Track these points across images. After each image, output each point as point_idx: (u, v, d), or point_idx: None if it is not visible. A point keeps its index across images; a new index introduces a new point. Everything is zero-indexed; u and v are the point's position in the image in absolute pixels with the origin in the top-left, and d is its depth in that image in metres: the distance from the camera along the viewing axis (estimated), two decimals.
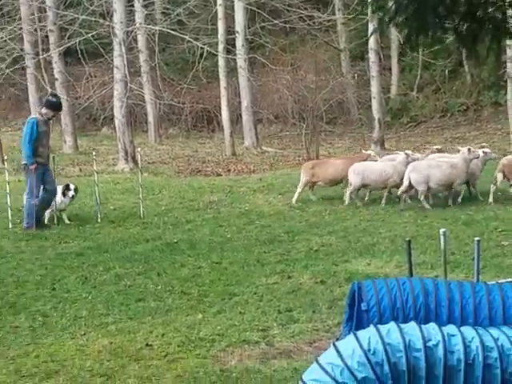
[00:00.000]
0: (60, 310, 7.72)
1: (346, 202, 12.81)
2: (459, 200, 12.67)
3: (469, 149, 12.56)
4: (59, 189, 11.85)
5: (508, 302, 5.51)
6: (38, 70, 21.69)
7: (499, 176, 12.56)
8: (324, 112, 20.53)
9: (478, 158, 12.49)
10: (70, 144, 21.59)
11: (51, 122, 12.52)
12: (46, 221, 11.80)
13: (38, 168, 11.43)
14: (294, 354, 6.06)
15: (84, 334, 6.82)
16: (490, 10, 4.60)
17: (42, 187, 11.60)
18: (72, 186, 12.17)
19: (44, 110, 11.82)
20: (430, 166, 12.44)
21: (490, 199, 12.34)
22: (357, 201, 12.93)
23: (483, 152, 12.81)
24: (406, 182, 12.05)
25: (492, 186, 12.57)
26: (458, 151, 12.78)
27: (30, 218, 11.53)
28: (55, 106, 12.11)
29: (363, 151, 14.65)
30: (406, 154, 12.74)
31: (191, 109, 23.33)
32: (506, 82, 18.39)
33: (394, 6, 4.59)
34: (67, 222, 12.04)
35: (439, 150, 14.21)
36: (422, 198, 12.23)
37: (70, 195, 12.17)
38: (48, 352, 6.27)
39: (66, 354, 6.21)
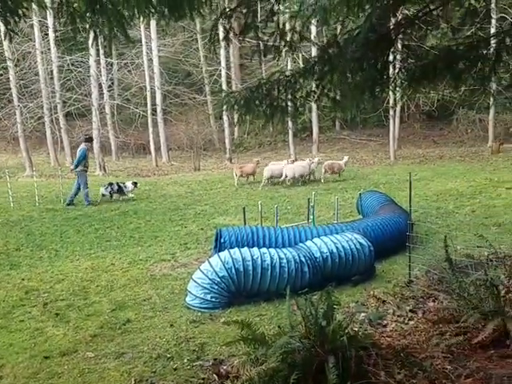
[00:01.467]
0: (64, 247, 9.91)
1: (261, 186, 17.03)
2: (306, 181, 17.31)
3: (309, 159, 17.91)
4: (130, 183, 15.55)
5: (295, 236, 7.92)
6: (51, 123, 27.33)
7: (323, 170, 17.67)
8: (202, 145, 27.70)
9: (314, 163, 17.56)
10: (70, 161, 26.56)
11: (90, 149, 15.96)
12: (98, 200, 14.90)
13: (85, 172, 14.37)
14: (188, 265, 8.21)
15: (78, 259, 8.98)
16: (280, 101, 5.46)
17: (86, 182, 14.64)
18: (137, 182, 16.01)
19: (86, 143, 14.86)
20: (295, 166, 17.31)
21: (322, 180, 17.58)
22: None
23: (319, 160, 18.09)
24: (284, 174, 16.93)
25: (322, 176, 17.54)
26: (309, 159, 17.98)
27: (87, 198, 14.47)
28: (90, 140, 15.60)
29: (254, 160, 19.49)
30: (287, 161, 18.21)
31: (134, 142, 30.12)
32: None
33: (233, 101, 5.51)
34: (131, 195, 15.31)
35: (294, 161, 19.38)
36: (287, 182, 17.06)
37: (137, 186, 15.69)
38: (59, 269, 8.31)
39: (68, 270, 8.25)
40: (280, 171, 17.18)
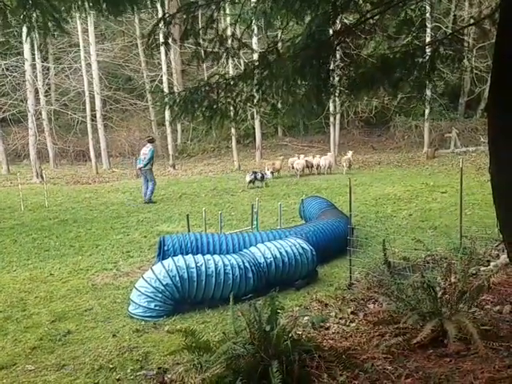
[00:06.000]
0: (0, 258, 9.49)
1: (298, 176, 20.01)
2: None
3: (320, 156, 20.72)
4: (269, 172, 18.68)
5: (239, 242, 7.86)
6: None
7: (344, 164, 20.45)
8: None
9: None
10: (5, 168, 25.67)
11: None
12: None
13: (150, 170, 15.45)
14: (131, 274, 8.07)
15: (15, 270, 8.69)
16: (220, 105, 5.41)
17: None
18: (273, 171, 19.28)
19: (151, 143, 15.65)
20: (328, 158, 20.88)
21: (344, 171, 20.13)
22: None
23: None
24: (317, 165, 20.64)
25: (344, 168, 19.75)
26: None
27: (151, 194, 15.41)
28: (153, 141, 16.70)
29: (279, 157, 21.94)
30: (302, 156, 21.22)
31: (73, 149, 29.22)
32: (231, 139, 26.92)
33: (171, 102, 5.44)
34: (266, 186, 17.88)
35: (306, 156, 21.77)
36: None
37: (273, 175, 19.12)
38: None
39: (4, 281, 7.99)
40: (310, 163, 20.73)
